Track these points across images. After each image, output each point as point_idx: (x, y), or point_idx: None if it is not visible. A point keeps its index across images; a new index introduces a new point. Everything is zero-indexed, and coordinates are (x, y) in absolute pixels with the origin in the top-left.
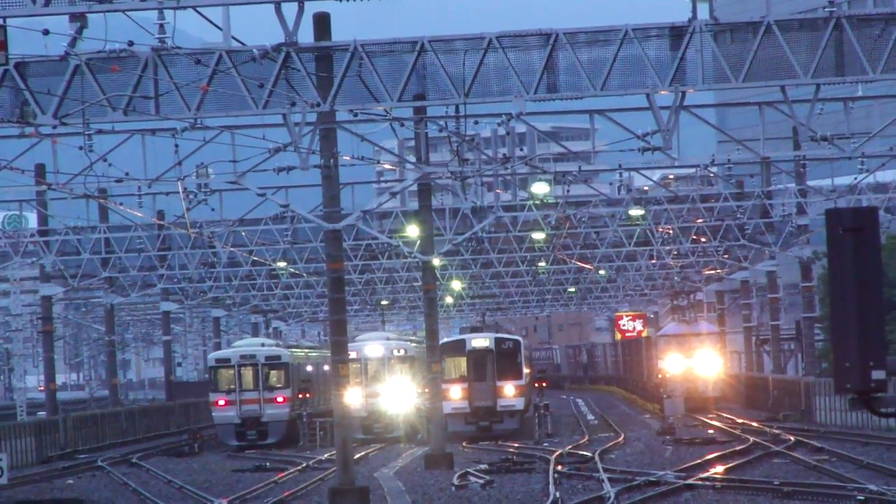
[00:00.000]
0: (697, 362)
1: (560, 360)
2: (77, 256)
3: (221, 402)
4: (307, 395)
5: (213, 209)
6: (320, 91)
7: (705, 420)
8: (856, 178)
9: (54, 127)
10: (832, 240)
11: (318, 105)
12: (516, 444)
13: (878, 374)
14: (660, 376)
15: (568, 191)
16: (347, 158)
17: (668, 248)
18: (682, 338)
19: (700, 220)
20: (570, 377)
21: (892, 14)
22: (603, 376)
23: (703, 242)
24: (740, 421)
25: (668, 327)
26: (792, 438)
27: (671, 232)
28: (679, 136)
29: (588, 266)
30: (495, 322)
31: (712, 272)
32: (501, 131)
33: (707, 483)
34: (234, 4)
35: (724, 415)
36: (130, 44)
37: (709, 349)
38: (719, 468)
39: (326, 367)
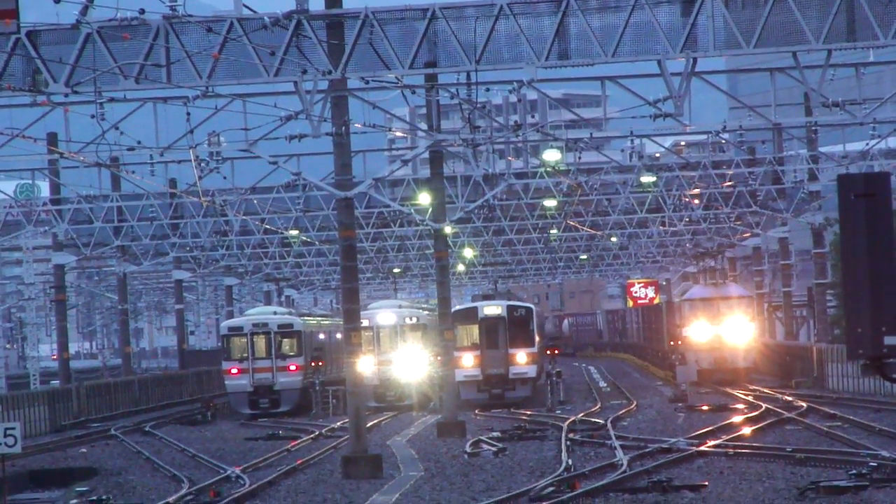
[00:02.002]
0: (726, 329)
1: (602, 326)
2: (89, 225)
3: (234, 371)
4: (320, 364)
5: (224, 177)
6: (331, 59)
7: (718, 388)
8: (867, 144)
9: (66, 95)
10: (844, 206)
11: (330, 73)
12: (528, 412)
13: (890, 340)
14: (674, 343)
15: (579, 158)
16: (359, 126)
17: (680, 214)
18: (709, 302)
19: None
20: (609, 343)
21: None
22: (633, 343)
23: (718, 210)
24: (752, 387)
25: (694, 290)
26: (804, 405)
27: (694, 201)
28: (690, 103)
29: (599, 233)
30: (507, 289)
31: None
32: (513, 98)
33: (719, 450)
34: None
35: (762, 389)
36: (142, 12)
37: (740, 315)
38: (732, 435)
39: (339, 336)
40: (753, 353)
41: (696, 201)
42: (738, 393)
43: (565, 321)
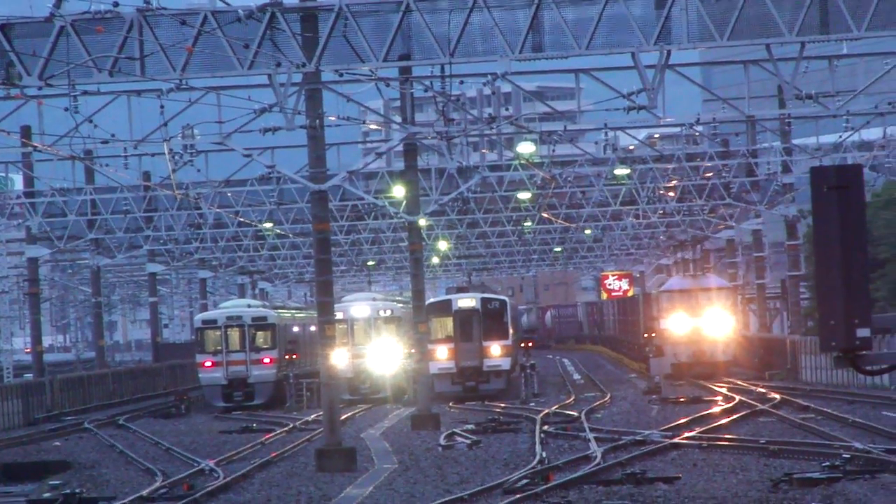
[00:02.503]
0: (706, 322)
1: (582, 318)
2: (63, 218)
3: (208, 364)
4: (294, 356)
5: (198, 170)
6: (305, 51)
7: (692, 380)
8: (840, 136)
9: (40, 88)
10: (817, 198)
11: (304, 65)
12: (503, 404)
13: (862, 332)
14: (648, 336)
15: (553, 150)
16: (333, 119)
17: (654, 206)
18: (687, 293)
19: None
20: (589, 336)
21: None
22: (609, 336)
23: (692, 202)
24: (726, 379)
25: (672, 281)
26: (778, 397)
27: (668, 193)
28: (664, 95)
29: (573, 225)
30: (481, 282)
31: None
32: (487, 91)
33: (693, 442)
34: None
35: (736, 381)
36: (116, 4)
37: (719, 307)
38: (705, 427)
39: (313, 328)
40: (733, 346)
41: (671, 193)
42: (712, 385)
43: (548, 313)
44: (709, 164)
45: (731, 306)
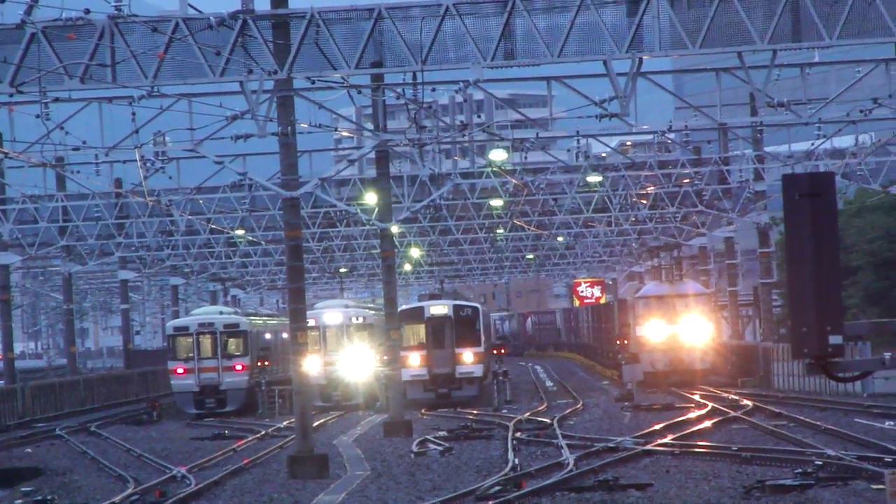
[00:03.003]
0: (683, 329)
1: (560, 325)
2: (34, 225)
3: (180, 371)
4: (266, 363)
5: (170, 177)
6: (277, 58)
7: (664, 388)
8: (813, 144)
9: (11, 95)
10: (789, 205)
11: (276, 73)
12: (475, 411)
13: (835, 339)
14: (621, 342)
15: (525, 158)
16: (305, 126)
17: (626, 213)
18: (664, 300)
19: (652, 188)
20: (567, 343)
21: None
22: (583, 343)
23: (664, 209)
24: (699, 386)
25: (648, 287)
26: (750, 404)
27: (641, 200)
28: (636, 103)
29: (545, 233)
30: (454, 289)
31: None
32: (459, 98)
33: (665, 449)
34: None
35: (709, 388)
36: (87, 11)
37: (697, 313)
38: (678, 434)
39: (285, 335)
40: (711, 353)
41: (644, 201)
42: (685, 392)
43: (528, 320)
44: (681, 172)
45: (708, 313)
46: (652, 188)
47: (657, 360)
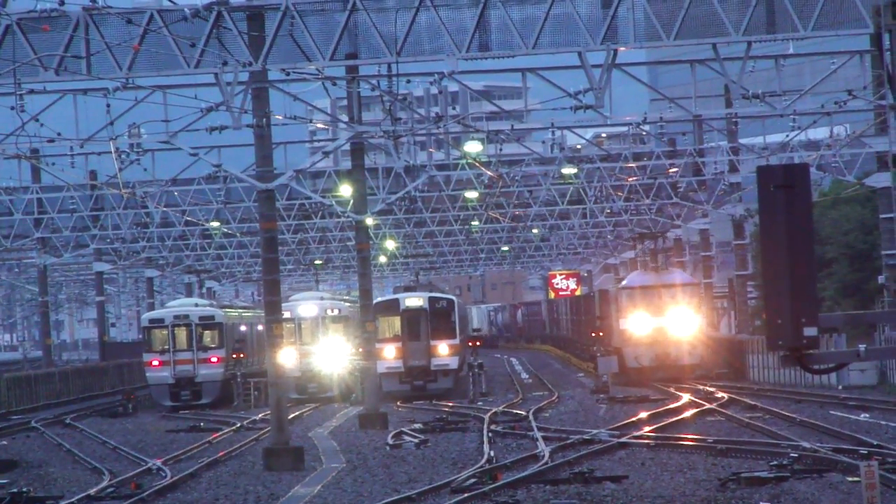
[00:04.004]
0: (670, 321)
1: (545, 317)
2: (9, 217)
3: (155, 363)
4: (241, 355)
5: (145, 169)
6: (252, 50)
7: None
8: (787, 136)
9: None
10: (764, 197)
11: (250, 64)
12: (450, 404)
13: (810, 332)
14: (596, 335)
15: (500, 149)
16: (280, 118)
17: (601, 205)
18: (650, 290)
19: (633, 179)
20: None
21: None
22: (563, 336)
23: (639, 201)
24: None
25: (633, 277)
26: (725, 396)
27: (618, 192)
28: (611, 95)
29: (520, 225)
30: (429, 281)
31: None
32: (434, 90)
33: (641, 441)
34: None
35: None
36: (61, 3)
37: (685, 305)
38: (653, 426)
39: (260, 327)
40: (700, 347)
41: (619, 193)
42: (660, 384)
43: (518, 311)
44: (657, 164)
45: (696, 304)
46: (636, 178)
47: (642, 354)
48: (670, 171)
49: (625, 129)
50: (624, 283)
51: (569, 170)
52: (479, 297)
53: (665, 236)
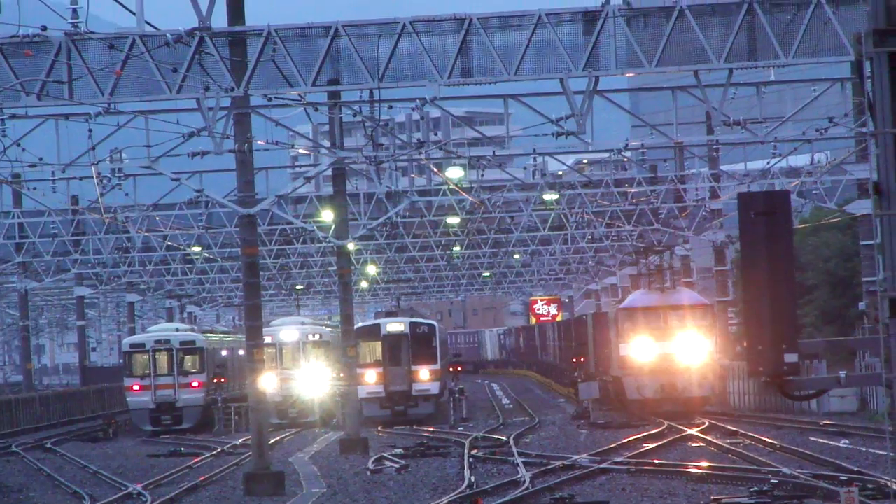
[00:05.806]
0: (678, 347)
1: (537, 342)
2: None
3: (136, 388)
4: (222, 380)
5: (127, 194)
6: (234, 76)
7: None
8: (768, 163)
9: None
10: (745, 224)
11: (232, 90)
12: (431, 429)
13: (790, 358)
14: (576, 361)
15: (482, 175)
16: (262, 143)
17: (582, 231)
18: (654, 312)
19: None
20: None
21: None
22: (549, 362)
23: (620, 227)
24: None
25: (635, 297)
26: (706, 422)
27: (598, 218)
28: (593, 121)
29: (502, 250)
30: (410, 306)
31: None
32: (416, 116)
33: (621, 467)
34: None
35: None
36: (44, 28)
37: (694, 329)
38: (634, 452)
39: (241, 352)
40: (711, 377)
41: (600, 219)
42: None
43: (520, 336)
44: (638, 190)
45: (708, 328)
46: (635, 202)
47: (645, 385)
48: (650, 197)
49: (606, 155)
50: (624, 303)
51: (550, 196)
52: (461, 322)
53: (672, 250)
